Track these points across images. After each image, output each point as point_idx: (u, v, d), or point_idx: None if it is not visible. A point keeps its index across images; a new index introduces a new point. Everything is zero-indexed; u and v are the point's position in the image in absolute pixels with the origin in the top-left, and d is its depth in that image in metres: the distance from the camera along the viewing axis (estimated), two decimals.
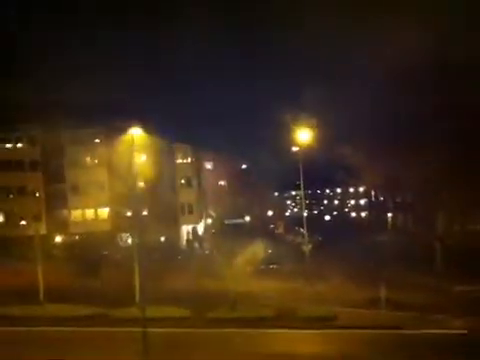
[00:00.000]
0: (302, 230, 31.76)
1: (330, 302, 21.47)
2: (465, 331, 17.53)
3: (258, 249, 29.27)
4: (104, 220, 43.87)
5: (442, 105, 29.03)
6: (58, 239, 42.55)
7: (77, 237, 42.63)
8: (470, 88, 27.45)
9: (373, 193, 62.83)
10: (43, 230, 39.05)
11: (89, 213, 44.28)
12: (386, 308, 20.18)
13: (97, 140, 44.20)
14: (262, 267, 29.98)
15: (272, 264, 31.54)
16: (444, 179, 30.25)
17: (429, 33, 27.16)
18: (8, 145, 43.85)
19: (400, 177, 37.14)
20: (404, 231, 43.30)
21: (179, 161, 48.35)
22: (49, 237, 40.23)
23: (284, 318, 19.72)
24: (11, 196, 42.78)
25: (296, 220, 47.90)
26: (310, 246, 28.80)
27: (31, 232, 33.42)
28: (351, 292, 23.36)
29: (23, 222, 41.80)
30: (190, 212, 47.82)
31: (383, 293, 20.44)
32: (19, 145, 43.86)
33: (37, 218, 41.20)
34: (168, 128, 42.11)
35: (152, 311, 17.15)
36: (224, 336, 18.27)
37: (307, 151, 29.64)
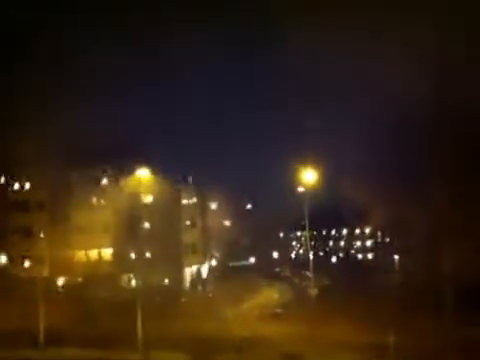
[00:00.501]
0: (308, 273, 31.23)
1: (338, 348, 20.84)
2: None
3: (265, 293, 28.76)
4: (107, 261, 43.46)
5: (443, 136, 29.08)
6: (61, 281, 42.00)
7: (80, 279, 42.09)
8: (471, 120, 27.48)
9: (380, 234, 62.17)
10: (46, 272, 38.70)
11: (93, 254, 43.94)
12: (394, 356, 19.54)
13: (104, 181, 44.53)
14: (268, 311, 29.33)
15: (278, 308, 30.86)
16: (451, 217, 29.88)
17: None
18: (16, 186, 44.24)
19: (406, 218, 36.84)
20: (412, 273, 42.49)
21: (184, 202, 48.34)
22: (52, 279, 39.78)
23: None
24: (16, 237, 42.68)
25: (302, 262, 47.22)
26: (316, 290, 28.26)
27: (34, 274, 33.24)
28: (359, 337, 22.71)
29: (27, 263, 41.48)
30: (194, 253, 47.32)
31: (391, 340, 19.87)
32: (27, 186, 44.24)
33: (40, 260, 40.88)
34: (174, 168, 42.54)
35: (154, 356, 16.72)
36: None
37: (313, 192, 29.63)
